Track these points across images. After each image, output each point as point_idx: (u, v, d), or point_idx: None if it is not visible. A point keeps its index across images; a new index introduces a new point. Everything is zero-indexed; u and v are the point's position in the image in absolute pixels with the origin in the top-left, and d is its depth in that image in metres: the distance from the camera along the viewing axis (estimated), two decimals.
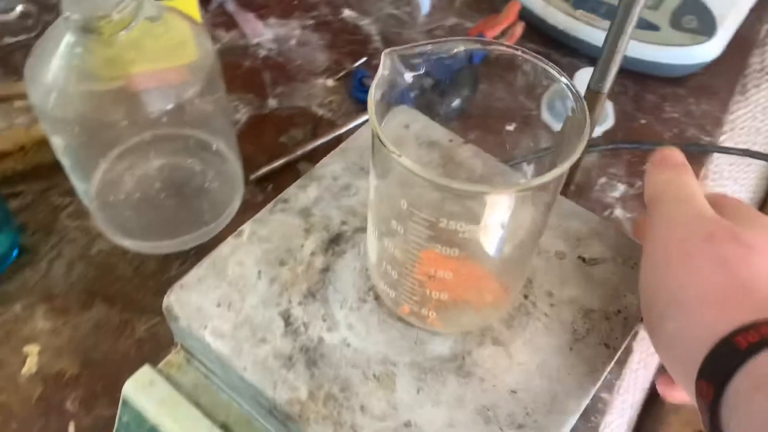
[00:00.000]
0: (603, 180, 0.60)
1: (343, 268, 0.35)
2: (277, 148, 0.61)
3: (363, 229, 0.36)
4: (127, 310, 0.50)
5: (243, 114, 0.64)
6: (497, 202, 0.25)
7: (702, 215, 0.30)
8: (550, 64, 0.28)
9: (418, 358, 0.32)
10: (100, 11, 0.40)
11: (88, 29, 0.40)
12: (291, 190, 0.38)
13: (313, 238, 0.36)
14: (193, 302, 0.34)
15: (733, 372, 0.24)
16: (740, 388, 0.24)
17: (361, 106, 0.64)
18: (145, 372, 0.37)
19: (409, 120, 0.39)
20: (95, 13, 0.40)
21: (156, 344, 0.48)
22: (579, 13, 0.67)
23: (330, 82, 0.67)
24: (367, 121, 0.62)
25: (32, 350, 0.48)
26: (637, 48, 0.64)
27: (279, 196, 0.38)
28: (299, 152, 0.59)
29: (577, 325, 0.34)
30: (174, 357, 0.39)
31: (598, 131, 0.61)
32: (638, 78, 0.67)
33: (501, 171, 0.37)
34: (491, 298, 0.33)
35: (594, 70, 0.39)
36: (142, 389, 0.37)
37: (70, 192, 0.54)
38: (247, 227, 0.37)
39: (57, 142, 0.45)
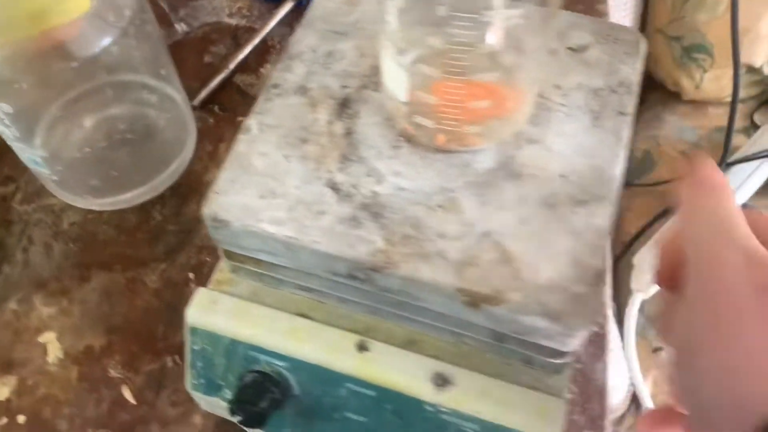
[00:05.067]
0: None
1: (364, 126, 0.35)
2: (206, 70, 0.58)
3: (366, 86, 0.36)
4: (129, 268, 0.48)
5: None
6: None
7: (754, 259, 0.25)
8: None
9: (470, 178, 0.33)
10: None
11: None
12: (277, 75, 0.37)
13: (322, 109, 0.36)
14: (236, 203, 0.33)
15: None
16: None
17: (273, 4, 0.62)
18: (202, 294, 0.37)
19: None
20: None
21: (174, 287, 0.47)
22: None
23: None
24: (284, 16, 0.60)
25: (49, 338, 0.46)
26: None
27: (267, 83, 0.37)
28: (231, 66, 0.57)
29: (593, 104, 0.36)
30: (220, 275, 0.38)
31: None
32: None
33: None
34: (514, 104, 0.34)
35: None
36: (207, 310, 0.36)
37: (9, 178, 0.50)
38: (252, 121, 0.36)
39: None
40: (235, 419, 0.34)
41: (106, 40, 0.40)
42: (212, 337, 0.36)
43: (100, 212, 0.51)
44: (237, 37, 0.60)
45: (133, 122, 0.52)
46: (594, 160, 0.34)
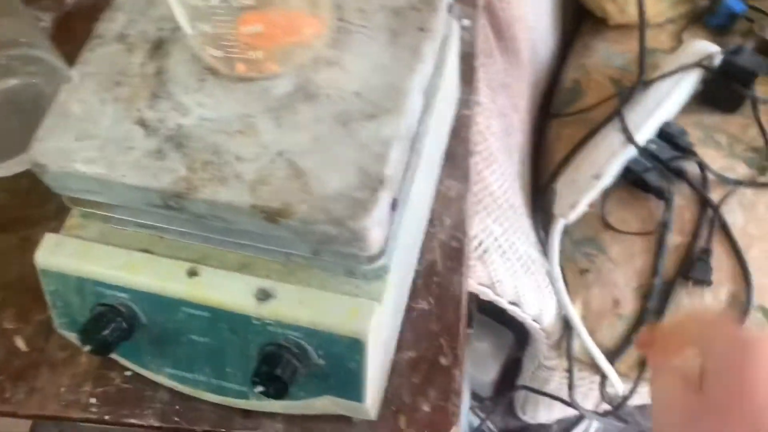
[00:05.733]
0: None
1: (175, 64, 0.37)
2: None
3: (179, 28, 0.38)
4: (21, 227, 0.51)
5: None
6: None
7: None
8: None
9: (269, 103, 0.35)
10: None
11: None
12: (100, 26, 0.39)
13: (138, 53, 0.38)
14: (54, 148, 0.35)
15: None
16: None
17: None
18: (49, 238, 0.39)
19: None
20: None
21: None
22: None
23: None
24: None
25: None
26: None
27: (90, 35, 0.39)
28: None
29: (393, 23, 0.37)
30: (70, 221, 0.41)
31: None
32: None
33: None
34: (310, 30, 0.36)
35: None
36: (53, 252, 0.39)
37: None
38: (74, 72, 0.38)
39: None
40: (85, 349, 0.37)
41: None
42: (61, 278, 0.39)
43: None
44: None
45: (20, 94, 0.54)
46: (388, 77, 0.36)
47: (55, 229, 0.51)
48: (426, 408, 0.42)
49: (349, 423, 0.42)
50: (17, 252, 0.50)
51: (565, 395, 0.89)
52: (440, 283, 0.45)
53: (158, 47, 0.38)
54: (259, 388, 0.35)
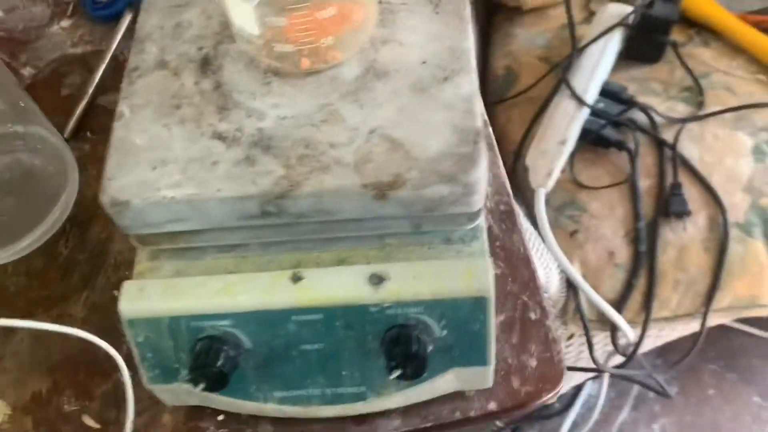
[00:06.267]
0: None
1: (231, 74, 0.36)
2: (67, 102, 0.57)
3: (221, 42, 0.38)
4: (51, 307, 0.47)
5: None
6: None
7: None
8: None
9: (343, 89, 0.35)
10: None
11: None
12: (133, 59, 0.38)
13: (187, 74, 0.37)
14: (131, 182, 0.33)
15: None
16: None
17: (110, 22, 0.62)
18: (129, 285, 0.37)
19: None
20: None
21: (101, 310, 0.47)
22: None
23: (65, 23, 0.63)
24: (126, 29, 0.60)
25: None
26: None
27: (125, 70, 0.38)
28: (90, 90, 0.57)
29: None
30: (139, 267, 0.38)
31: None
32: None
33: None
34: (359, 15, 0.37)
35: None
36: (137, 298, 0.36)
37: None
38: (122, 107, 0.36)
39: None
40: (199, 388, 0.35)
41: None
42: (151, 323, 0.36)
43: (5, 266, 0.49)
44: (87, 63, 0.60)
45: (10, 171, 0.51)
46: (445, 42, 0.37)
47: (91, 299, 0.48)
48: (533, 363, 0.42)
49: (465, 399, 0.42)
50: (55, 332, 0.46)
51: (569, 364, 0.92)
52: (503, 246, 0.46)
53: (207, 64, 0.37)
54: (397, 372, 0.35)
